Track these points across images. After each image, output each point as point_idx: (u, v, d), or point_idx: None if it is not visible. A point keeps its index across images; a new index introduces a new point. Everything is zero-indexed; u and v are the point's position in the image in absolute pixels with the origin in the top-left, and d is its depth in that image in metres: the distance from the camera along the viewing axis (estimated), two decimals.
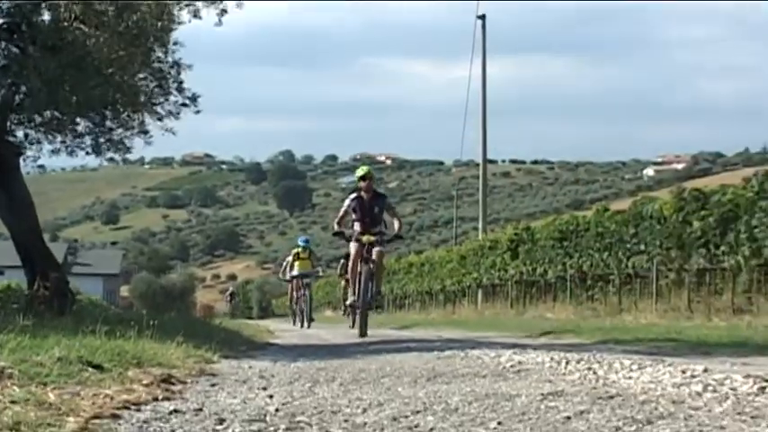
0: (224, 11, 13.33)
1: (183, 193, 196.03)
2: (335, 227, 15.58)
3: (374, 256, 14.90)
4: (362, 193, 15.26)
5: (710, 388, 3.99)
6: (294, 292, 25.76)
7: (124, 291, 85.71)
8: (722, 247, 17.33)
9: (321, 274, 28.77)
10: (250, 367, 6.74)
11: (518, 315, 24.21)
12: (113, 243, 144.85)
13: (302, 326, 23.52)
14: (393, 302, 42.08)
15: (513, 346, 8.98)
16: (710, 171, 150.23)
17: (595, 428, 3.18)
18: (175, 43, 13.72)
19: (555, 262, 24.53)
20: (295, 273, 25.03)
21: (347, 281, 20.37)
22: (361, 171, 15.82)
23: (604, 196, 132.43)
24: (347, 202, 15.42)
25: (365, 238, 14.93)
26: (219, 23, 13.55)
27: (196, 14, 13.34)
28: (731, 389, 3.97)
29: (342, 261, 24.77)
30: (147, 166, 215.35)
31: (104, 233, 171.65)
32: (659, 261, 19.38)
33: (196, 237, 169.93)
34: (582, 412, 3.44)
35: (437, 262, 37.25)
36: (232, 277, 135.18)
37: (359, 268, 15.01)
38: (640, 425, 3.20)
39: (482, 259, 30.44)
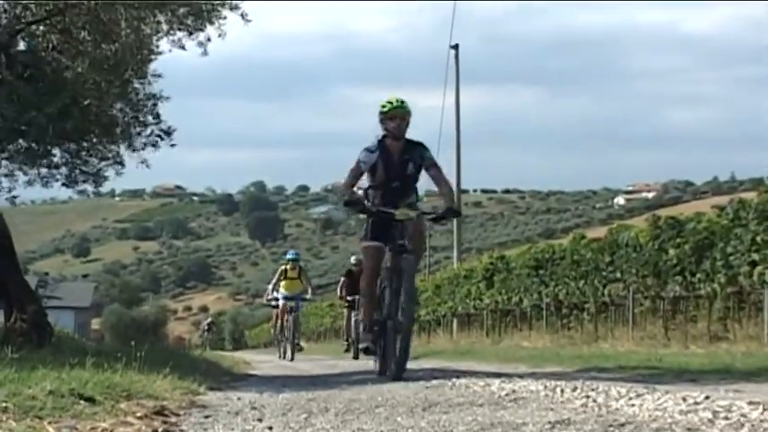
0: (208, 39, 13.24)
1: (155, 225, 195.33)
2: (348, 194, 9.91)
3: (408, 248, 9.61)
4: (388, 141, 10.02)
5: (721, 415, 3.96)
6: (280, 319, 22.54)
7: (95, 323, 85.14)
8: (698, 275, 17.40)
9: (311, 297, 23.61)
10: (239, 398, 6.66)
11: (494, 344, 24.17)
12: (84, 276, 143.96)
13: (284, 357, 21.67)
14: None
15: (498, 375, 8.92)
16: (681, 199, 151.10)
17: None
18: (153, 75, 13.67)
19: (530, 290, 24.54)
20: (281, 294, 22.00)
21: (350, 305, 21.82)
22: (388, 104, 10.04)
23: (576, 225, 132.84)
24: (362, 154, 9.93)
25: (399, 213, 9.63)
26: (205, 53, 13.47)
27: (182, 46, 13.26)
28: (742, 415, 3.94)
29: (342, 280, 23.22)
30: (117, 198, 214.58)
31: (75, 266, 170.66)
32: (635, 289, 19.42)
33: (167, 268, 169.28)
34: None
35: None
36: (204, 309, 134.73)
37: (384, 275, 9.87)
38: None
39: (457, 288, 30.41)
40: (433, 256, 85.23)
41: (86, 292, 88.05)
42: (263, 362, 21.13)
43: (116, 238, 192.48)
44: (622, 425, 3.79)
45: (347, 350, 22.36)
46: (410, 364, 14.14)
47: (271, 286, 22.81)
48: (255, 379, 11.84)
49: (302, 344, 23.59)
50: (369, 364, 15.27)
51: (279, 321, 22.79)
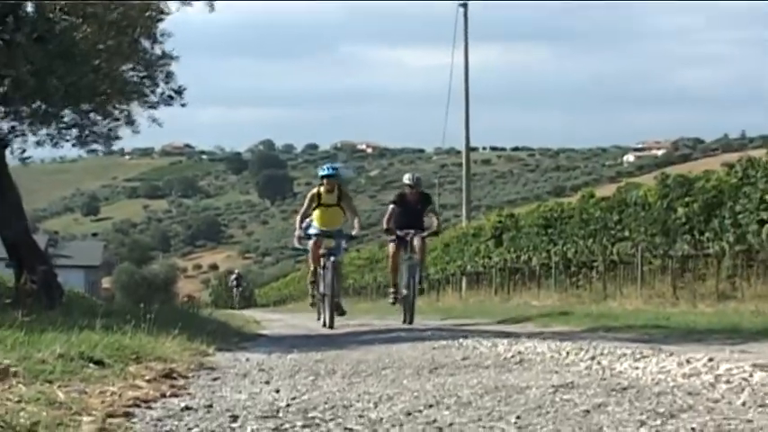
0: None
1: (164, 184, 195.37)
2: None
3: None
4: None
5: (723, 379, 3.99)
6: (317, 263, 15.14)
7: (106, 282, 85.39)
8: (707, 234, 17.38)
9: (357, 232, 15.59)
10: (247, 360, 6.72)
11: (503, 302, 24.22)
12: (94, 234, 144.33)
13: (325, 323, 14.76)
14: (377, 290, 42.05)
15: (506, 335, 8.97)
16: (691, 157, 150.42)
17: (619, 422, 3.16)
18: (162, 34, 13.68)
19: (539, 249, 24.54)
20: (314, 230, 15.09)
21: (400, 241, 16.91)
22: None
23: (585, 183, 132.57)
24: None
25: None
26: (212, 9, 13.52)
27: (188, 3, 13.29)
28: (743, 379, 3.96)
29: (390, 207, 16.37)
30: (127, 157, 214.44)
31: (85, 224, 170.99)
32: (644, 247, 19.41)
33: (177, 227, 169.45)
34: (600, 405, 3.43)
35: None
36: (214, 267, 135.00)
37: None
38: (664, 419, 3.18)
39: (466, 246, 30.43)
40: (443, 214, 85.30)
41: (96, 250, 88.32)
42: (273, 320, 21.20)
43: (126, 197, 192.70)
44: (625, 389, 3.82)
45: (395, 302, 16.26)
46: (417, 322, 14.28)
47: (298, 219, 15.53)
48: (265, 339, 11.89)
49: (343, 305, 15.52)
50: (374, 321, 15.33)
51: (317, 264, 15.27)
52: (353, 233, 15.38)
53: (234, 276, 59.61)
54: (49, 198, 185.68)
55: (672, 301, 17.74)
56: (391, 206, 16.42)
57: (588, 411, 3.36)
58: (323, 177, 15.09)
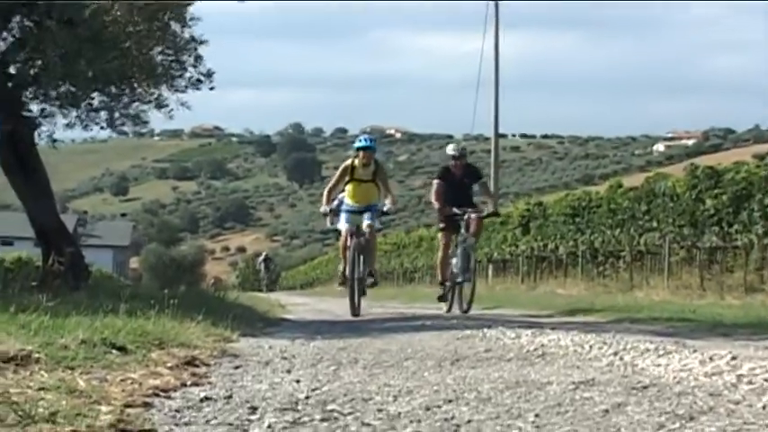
0: None
1: (193, 165, 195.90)
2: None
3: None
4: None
5: (745, 379, 3.96)
6: (348, 241, 13.67)
7: (134, 262, 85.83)
8: (735, 226, 17.31)
9: (391, 207, 13.99)
10: (270, 347, 6.72)
11: (529, 290, 24.19)
12: (123, 215, 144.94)
13: (354, 308, 13.29)
14: (403, 276, 42.08)
15: (529, 325, 8.94)
16: (721, 147, 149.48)
17: (638, 424, 3.14)
18: (192, 18, 13.70)
19: (566, 238, 24.50)
20: (345, 208, 13.95)
21: (447, 224, 14.49)
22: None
23: (614, 171, 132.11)
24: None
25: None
26: None
27: None
28: (765, 380, 3.93)
29: (436, 183, 14.53)
30: (156, 138, 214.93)
31: (114, 205, 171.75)
32: (671, 238, 19.34)
33: (205, 209, 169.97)
34: (619, 405, 3.41)
35: None
36: (242, 249, 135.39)
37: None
38: (683, 420, 3.16)
39: (493, 234, 30.39)
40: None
41: (125, 231, 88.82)
42: (299, 304, 21.23)
43: (155, 178, 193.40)
44: (645, 387, 3.80)
45: (444, 298, 14.85)
46: (442, 309, 14.21)
47: (326, 192, 14.28)
48: (290, 324, 11.90)
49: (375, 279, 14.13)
50: (399, 308, 15.29)
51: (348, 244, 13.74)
52: (386, 209, 13.96)
53: (262, 258, 56.89)
54: (79, 178, 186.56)
55: (699, 292, 17.67)
56: (437, 182, 14.50)
57: (607, 411, 3.35)
58: (359, 149, 13.76)
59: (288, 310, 16.98)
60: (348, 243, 13.52)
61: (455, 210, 14.00)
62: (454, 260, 14.16)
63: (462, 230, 14.03)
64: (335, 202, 14.26)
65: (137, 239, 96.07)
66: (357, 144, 13.91)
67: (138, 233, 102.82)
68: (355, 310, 13.21)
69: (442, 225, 14.49)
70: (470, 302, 13.98)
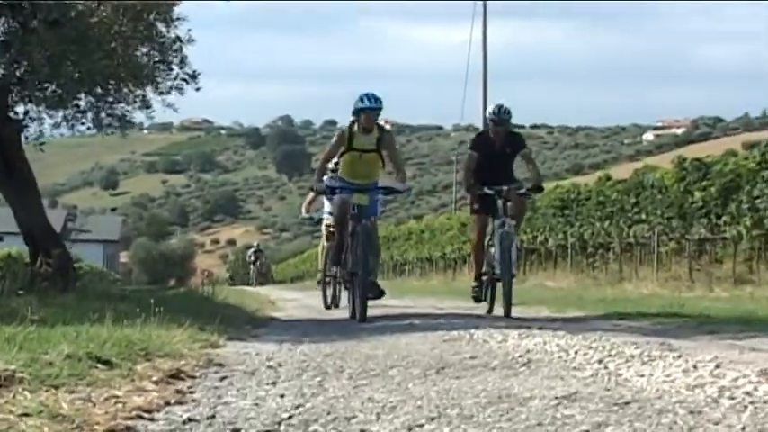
0: None
1: (182, 159, 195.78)
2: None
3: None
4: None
5: (727, 393, 3.97)
6: (340, 228, 11.78)
7: (124, 257, 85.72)
8: (724, 218, 17.40)
9: (403, 186, 11.66)
10: (257, 353, 6.72)
11: (519, 283, 24.11)
12: (113, 209, 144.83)
13: (354, 315, 11.19)
14: (393, 269, 42.14)
15: (518, 325, 8.95)
16: (710, 136, 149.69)
17: None
18: (178, 18, 13.69)
19: (556, 230, 24.59)
20: (339, 184, 11.72)
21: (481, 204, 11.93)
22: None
23: (604, 161, 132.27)
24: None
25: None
26: None
27: None
28: (746, 393, 3.95)
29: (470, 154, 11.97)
30: (145, 132, 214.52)
31: (104, 199, 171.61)
32: (660, 230, 19.42)
33: (195, 202, 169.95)
34: (599, 425, 3.41)
35: (437, 229, 37.25)
36: (231, 242, 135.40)
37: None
38: None
39: None
40: (460, 191, 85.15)
41: (115, 225, 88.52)
42: (288, 300, 21.21)
43: (144, 172, 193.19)
44: (627, 403, 3.81)
45: (477, 296, 12.34)
46: (431, 305, 14.18)
47: (319, 165, 12.03)
48: (278, 323, 11.86)
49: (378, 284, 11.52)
50: (388, 302, 15.21)
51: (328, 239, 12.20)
52: (399, 187, 11.51)
53: (252, 250, 54.26)
54: (68, 172, 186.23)
55: (688, 284, 17.76)
56: (470, 153, 11.87)
57: (587, 431, 3.36)
58: (360, 111, 11.02)
59: (277, 307, 16.97)
60: (340, 231, 11.55)
61: (486, 189, 11.52)
62: (492, 249, 11.63)
63: (500, 212, 11.46)
64: (325, 181, 11.97)
65: (126, 233, 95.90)
66: (358, 104, 11.08)
67: (127, 227, 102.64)
68: (362, 313, 10.77)
69: (475, 206, 12.04)
70: (509, 302, 11.17)
